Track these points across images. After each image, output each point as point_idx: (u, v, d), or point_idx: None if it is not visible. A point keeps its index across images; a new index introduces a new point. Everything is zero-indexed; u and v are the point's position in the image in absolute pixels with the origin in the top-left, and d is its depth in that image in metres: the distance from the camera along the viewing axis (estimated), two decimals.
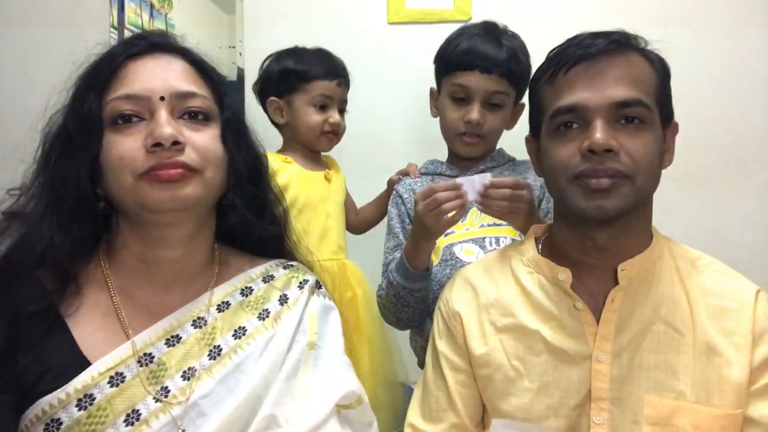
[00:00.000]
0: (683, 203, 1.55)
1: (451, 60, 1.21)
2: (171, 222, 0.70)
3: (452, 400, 0.84)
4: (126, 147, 0.65)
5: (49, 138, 0.70)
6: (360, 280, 1.34)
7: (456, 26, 1.63)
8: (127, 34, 1.44)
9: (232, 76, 1.63)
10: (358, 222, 1.47)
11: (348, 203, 1.44)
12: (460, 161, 1.28)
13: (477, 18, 1.65)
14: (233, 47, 1.68)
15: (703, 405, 0.72)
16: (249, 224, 0.78)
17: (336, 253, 1.31)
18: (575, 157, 0.75)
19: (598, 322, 0.78)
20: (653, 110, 0.75)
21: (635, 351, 0.76)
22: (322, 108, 1.30)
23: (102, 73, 0.68)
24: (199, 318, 0.72)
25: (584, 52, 0.75)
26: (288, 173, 1.27)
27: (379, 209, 1.44)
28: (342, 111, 1.35)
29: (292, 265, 0.85)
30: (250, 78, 1.67)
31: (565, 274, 0.80)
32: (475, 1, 1.66)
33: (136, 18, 1.48)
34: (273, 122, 1.37)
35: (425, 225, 0.99)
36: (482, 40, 1.19)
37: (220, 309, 0.75)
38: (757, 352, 0.73)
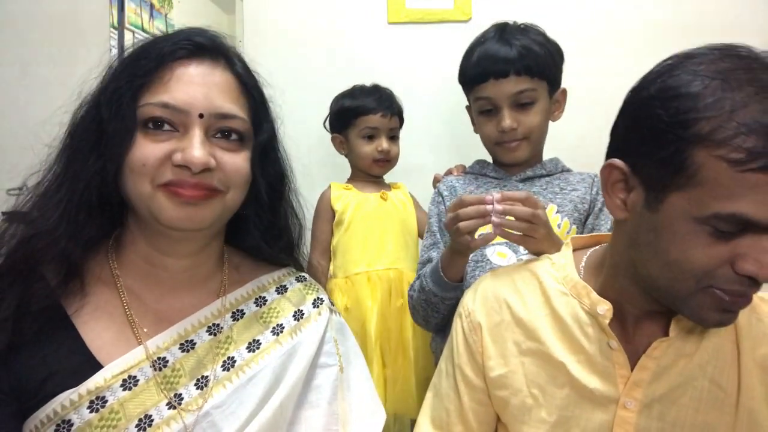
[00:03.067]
0: None
1: (467, 75, 1.19)
2: (182, 237, 0.70)
3: (465, 417, 0.79)
4: (152, 154, 0.63)
5: (79, 128, 0.67)
6: None
7: (456, 26, 1.65)
8: (127, 34, 1.44)
9: None
10: None
11: (420, 217, 1.51)
12: (507, 165, 1.22)
13: (477, 18, 1.66)
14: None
15: None
16: (261, 249, 0.80)
17: (393, 263, 1.41)
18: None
19: (631, 366, 0.69)
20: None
21: (671, 405, 0.68)
22: (371, 138, 1.44)
23: (145, 71, 0.65)
24: (214, 325, 0.72)
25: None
26: (345, 198, 1.44)
27: None
28: (393, 138, 1.48)
29: (304, 278, 0.85)
30: None
31: (606, 308, 0.70)
32: (475, 1, 1.66)
33: (136, 18, 1.47)
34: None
35: (451, 237, 0.94)
36: (490, 46, 1.14)
37: (234, 317, 0.74)
38: None
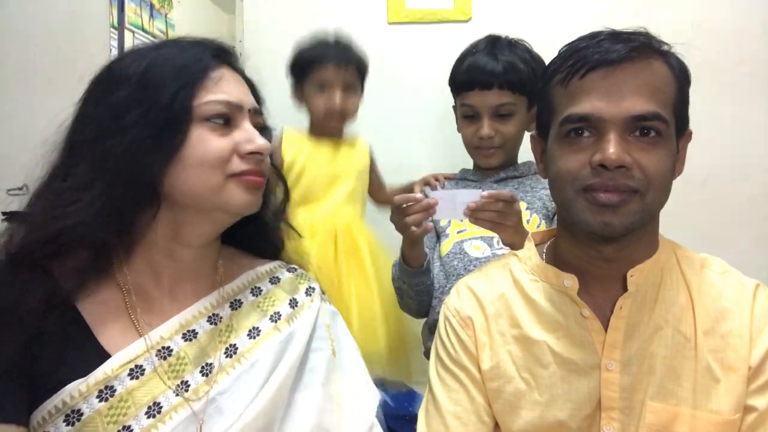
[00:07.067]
0: (682, 203, 1.55)
1: (456, 81, 1.30)
2: (220, 221, 0.74)
3: (479, 414, 0.80)
4: (225, 147, 0.70)
5: (111, 126, 0.68)
6: (366, 235, 1.40)
7: (456, 26, 1.65)
8: (127, 34, 1.45)
9: None
10: (380, 201, 1.56)
11: (374, 182, 1.50)
12: (483, 169, 1.34)
13: (477, 18, 1.66)
14: (233, 47, 1.67)
15: (703, 411, 0.71)
16: (254, 240, 0.84)
17: (339, 212, 1.38)
18: (585, 168, 0.72)
19: (605, 330, 0.76)
20: (670, 123, 0.72)
21: (644, 357, 0.74)
22: (324, 90, 1.38)
23: (196, 73, 0.71)
24: (214, 314, 0.75)
25: (602, 57, 0.71)
26: (297, 145, 1.39)
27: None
28: (350, 90, 1.40)
29: (294, 269, 0.88)
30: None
31: (571, 281, 0.78)
32: (475, 1, 1.67)
33: (136, 18, 1.48)
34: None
35: (400, 232, 1.08)
36: (480, 58, 1.25)
37: (233, 306, 0.78)
38: (754, 352, 0.72)
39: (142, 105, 0.67)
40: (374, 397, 0.84)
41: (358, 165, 1.46)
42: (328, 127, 1.43)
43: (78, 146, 0.69)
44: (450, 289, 1.18)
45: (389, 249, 1.27)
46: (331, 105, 1.38)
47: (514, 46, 1.27)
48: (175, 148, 0.68)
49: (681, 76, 0.75)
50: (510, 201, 0.97)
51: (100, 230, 0.66)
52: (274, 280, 0.84)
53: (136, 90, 0.68)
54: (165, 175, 0.68)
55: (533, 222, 1.22)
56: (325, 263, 1.31)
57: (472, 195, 0.97)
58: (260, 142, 0.72)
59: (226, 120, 0.71)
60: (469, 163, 1.38)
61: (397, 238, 1.15)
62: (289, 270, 0.87)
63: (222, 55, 0.75)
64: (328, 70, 1.37)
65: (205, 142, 0.69)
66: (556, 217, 1.21)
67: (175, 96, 0.68)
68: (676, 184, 0.76)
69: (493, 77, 1.21)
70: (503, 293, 0.84)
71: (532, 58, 1.27)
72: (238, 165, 0.70)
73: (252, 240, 0.84)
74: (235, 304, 0.78)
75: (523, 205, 1.23)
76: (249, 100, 0.74)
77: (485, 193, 0.96)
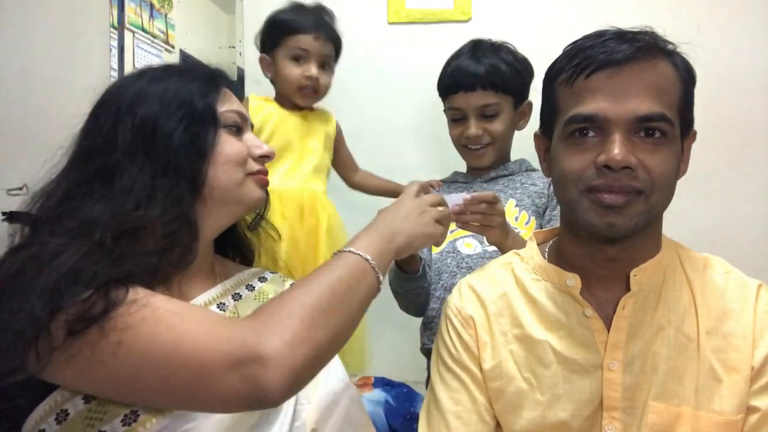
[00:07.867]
0: (683, 203, 1.55)
1: (442, 85, 1.34)
2: (234, 214, 0.83)
3: (481, 412, 0.80)
4: (242, 149, 0.81)
5: (161, 131, 0.75)
6: (328, 211, 1.38)
7: (456, 26, 1.66)
8: (127, 34, 1.44)
9: (232, 76, 1.64)
10: (354, 182, 1.55)
11: (344, 157, 1.50)
12: (475, 169, 1.38)
13: (477, 18, 1.66)
14: (233, 47, 1.68)
15: (705, 411, 0.72)
16: (244, 240, 0.94)
17: (307, 183, 1.37)
18: (589, 169, 0.72)
19: (608, 330, 0.76)
20: (675, 124, 0.72)
21: (646, 357, 0.75)
22: (298, 61, 1.34)
23: (213, 88, 0.81)
24: (221, 303, 0.83)
25: (608, 57, 0.71)
26: (265, 111, 1.35)
27: (381, 190, 1.55)
28: (325, 66, 1.37)
29: (275, 272, 0.98)
30: (250, 78, 1.68)
31: (574, 280, 0.78)
32: (475, 1, 1.67)
33: (136, 18, 1.47)
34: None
35: None
36: (463, 61, 1.29)
37: (234, 298, 0.86)
38: (757, 352, 0.72)
39: (178, 112, 0.75)
40: (343, 372, 0.90)
41: (326, 136, 1.44)
42: (298, 103, 1.38)
43: (113, 155, 0.73)
44: (442, 285, 1.25)
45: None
46: (306, 78, 1.33)
47: (497, 48, 1.30)
48: (211, 147, 0.77)
49: (686, 77, 0.75)
50: (492, 202, 0.98)
51: (192, 229, 0.73)
52: (262, 279, 0.93)
53: (166, 101, 0.76)
54: (206, 171, 0.76)
55: (522, 218, 1.24)
56: (294, 243, 1.29)
57: (456, 199, 0.97)
58: (267, 147, 0.83)
59: (237, 128, 0.81)
60: (459, 161, 1.39)
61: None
62: (271, 272, 0.96)
63: (225, 78, 0.86)
64: (307, 41, 1.32)
65: (230, 143, 0.79)
66: (546, 212, 1.26)
67: (205, 102, 0.78)
68: (678, 183, 0.76)
69: (476, 79, 1.25)
70: (505, 292, 0.84)
71: (515, 58, 1.30)
72: (253, 165, 0.81)
73: (229, 251, 0.94)
74: (236, 297, 0.86)
75: (512, 203, 1.26)
76: (249, 116, 0.85)
77: (468, 196, 0.97)
